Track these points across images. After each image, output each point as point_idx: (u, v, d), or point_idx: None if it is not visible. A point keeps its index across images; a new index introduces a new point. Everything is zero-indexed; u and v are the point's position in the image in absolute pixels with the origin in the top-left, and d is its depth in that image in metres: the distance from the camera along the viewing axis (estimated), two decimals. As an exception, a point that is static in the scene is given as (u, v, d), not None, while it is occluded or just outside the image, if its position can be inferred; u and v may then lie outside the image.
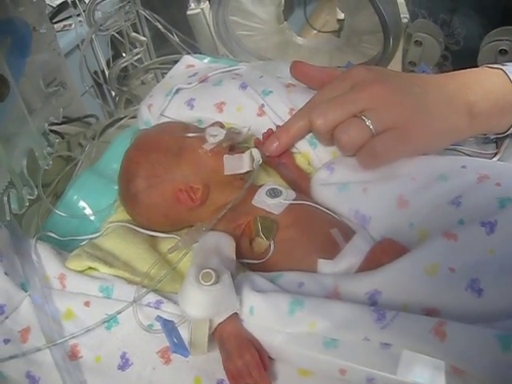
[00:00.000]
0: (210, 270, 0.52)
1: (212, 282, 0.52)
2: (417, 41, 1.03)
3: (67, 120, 1.15)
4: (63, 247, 0.71)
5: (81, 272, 0.65)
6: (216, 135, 0.69)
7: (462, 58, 1.09)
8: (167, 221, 0.71)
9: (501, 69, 0.70)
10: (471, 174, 0.61)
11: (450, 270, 0.53)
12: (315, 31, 1.68)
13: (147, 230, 0.71)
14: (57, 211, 0.76)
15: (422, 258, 0.54)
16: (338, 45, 1.17)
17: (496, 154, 0.75)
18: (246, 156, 0.69)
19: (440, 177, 0.63)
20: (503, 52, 0.96)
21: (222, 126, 0.72)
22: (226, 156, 0.69)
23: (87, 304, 0.61)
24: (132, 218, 0.73)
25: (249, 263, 0.64)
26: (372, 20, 1.05)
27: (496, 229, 0.54)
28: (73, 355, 0.59)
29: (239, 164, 0.69)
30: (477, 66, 0.74)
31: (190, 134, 0.70)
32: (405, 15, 1.10)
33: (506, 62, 0.72)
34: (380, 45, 1.09)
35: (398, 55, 1.13)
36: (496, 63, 0.72)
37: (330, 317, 0.51)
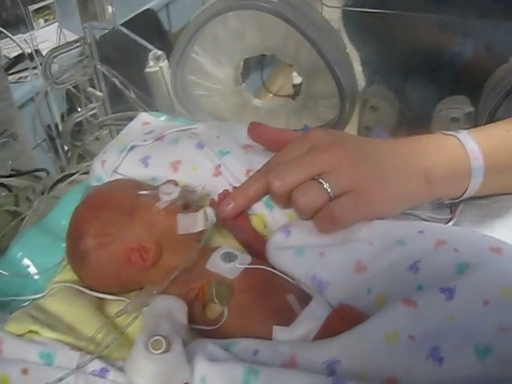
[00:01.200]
0: (160, 338, 0.49)
1: (162, 350, 0.49)
2: (372, 106, 1.05)
3: (16, 173, 1.12)
4: (3, 308, 0.67)
5: (21, 336, 0.60)
6: (170, 193, 0.67)
7: (416, 124, 1.13)
8: (117, 282, 0.67)
9: (455, 136, 0.71)
10: (429, 240, 0.61)
11: (411, 337, 0.51)
12: (271, 94, 1.71)
13: (95, 291, 0.68)
14: (-1, 269, 0.72)
15: (382, 325, 0.52)
16: (295, 108, 1.19)
17: (451, 219, 0.76)
18: (200, 215, 0.67)
19: (398, 242, 0.62)
20: (455, 119, 0.99)
21: (176, 184, 0.70)
22: (179, 215, 0.67)
23: (25, 372, 0.56)
24: (79, 278, 0.70)
25: (201, 329, 0.61)
26: (329, 85, 1.08)
27: (455, 295, 0.53)
28: None
29: (193, 223, 0.67)
30: (430, 132, 0.75)
31: (143, 192, 0.68)
32: (361, 81, 1.13)
33: (458, 129, 0.74)
34: (336, 109, 1.11)
35: (354, 119, 1.15)
36: (449, 130, 0.73)
37: (286, 388, 0.49)
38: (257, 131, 0.79)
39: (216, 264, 0.64)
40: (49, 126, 1.30)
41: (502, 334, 0.50)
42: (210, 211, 0.68)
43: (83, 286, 0.68)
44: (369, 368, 0.51)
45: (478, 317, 0.52)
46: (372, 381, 0.49)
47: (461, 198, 0.74)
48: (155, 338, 0.49)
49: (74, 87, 1.23)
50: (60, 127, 1.27)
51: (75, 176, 1.07)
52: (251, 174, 0.75)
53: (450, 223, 0.75)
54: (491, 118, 0.93)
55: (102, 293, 0.68)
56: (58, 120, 1.30)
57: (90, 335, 0.59)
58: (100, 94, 1.25)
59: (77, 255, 0.68)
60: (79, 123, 1.27)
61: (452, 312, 0.52)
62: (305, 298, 0.62)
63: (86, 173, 1.06)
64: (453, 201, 0.75)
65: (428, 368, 0.50)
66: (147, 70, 1.24)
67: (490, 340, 0.50)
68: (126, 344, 0.61)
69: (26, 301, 0.70)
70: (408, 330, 0.52)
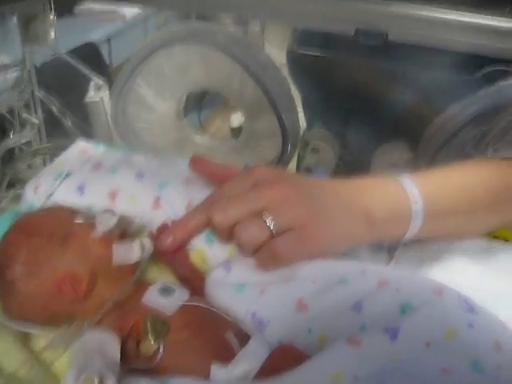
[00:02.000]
0: (91, 376, 0.46)
1: (93, 388, 0.45)
2: (314, 148, 1.06)
3: None
4: None
5: None
6: (107, 222, 0.64)
7: (355, 167, 1.14)
8: (45, 313, 0.63)
9: (397, 179, 0.72)
10: (372, 280, 0.61)
11: (355, 378, 0.50)
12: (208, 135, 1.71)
13: (20, 323, 0.63)
14: None
15: (326, 364, 0.51)
16: (236, 147, 1.18)
17: (390, 260, 0.76)
18: (135, 245, 0.65)
19: (340, 280, 0.61)
20: (394, 164, 1.01)
21: (113, 213, 0.67)
22: (115, 245, 0.64)
23: None
24: (3, 307, 0.65)
25: (135, 367, 0.58)
26: (270, 124, 1.08)
27: (399, 335, 0.53)
28: None
29: (129, 253, 0.64)
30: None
31: (77, 220, 0.65)
32: (301, 123, 1.14)
33: (397, 174, 0.74)
34: (278, 149, 1.11)
35: (294, 161, 1.16)
36: (389, 174, 0.74)
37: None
38: (199, 164, 0.78)
39: (153, 298, 0.61)
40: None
41: (446, 375, 0.50)
42: (146, 241, 0.66)
43: (5, 318, 0.63)
44: None
45: (422, 359, 0.52)
46: None
47: (401, 241, 0.74)
48: (86, 375, 0.46)
49: (7, 112, 1.18)
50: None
51: (3, 203, 1.02)
52: (191, 207, 0.73)
53: (389, 266, 0.75)
54: (430, 164, 0.95)
55: (28, 324, 0.63)
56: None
57: (12, 370, 0.55)
58: (36, 120, 1.20)
59: (3, 283, 0.63)
60: (10, 150, 1.21)
61: (396, 353, 0.51)
62: (244, 337, 0.60)
63: (15, 200, 1.02)
64: (392, 243, 0.75)
65: None
66: (87, 99, 1.20)
67: (434, 383, 0.50)
68: (52, 381, 0.57)
69: None
70: (353, 371, 0.50)
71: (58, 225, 0.65)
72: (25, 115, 1.21)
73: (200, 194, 0.73)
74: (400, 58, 0.99)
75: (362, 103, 1.13)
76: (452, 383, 0.50)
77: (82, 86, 1.21)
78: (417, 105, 1.08)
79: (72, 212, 0.69)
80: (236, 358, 0.56)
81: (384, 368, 0.51)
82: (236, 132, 1.36)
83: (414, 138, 1.03)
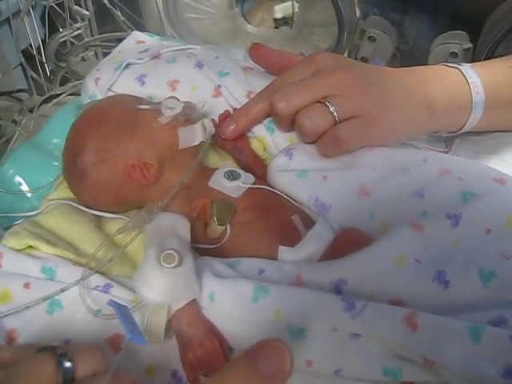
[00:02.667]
0: (172, 252, 0.48)
1: (175, 264, 0.47)
2: (370, 37, 1.03)
3: (-4, 93, 1.08)
4: None
5: (19, 251, 0.58)
6: (173, 108, 0.64)
7: (411, 57, 1.11)
8: (116, 200, 0.65)
9: (458, 68, 0.70)
10: (433, 168, 0.61)
11: (417, 261, 0.52)
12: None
13: (93, 209, 0.66)
14: (-11, 185, 0.69)
15: (390, 248, 0.53)
16: (290, 36, 1.16)
17: (447, 152, 0.76)
18: (198, 126, 0.65)
19: (402, 169, 0.62)
20: (454, 55, 0.98)
21: (177, 99, 0.67)
22: (180, 128, 0.64)
23: (27, 286, 0.55)
24: (76, 195, 0.67)
25: (203, 248, 0.60)
26: (326, 13, 1.05)
27: (461, 221, 0.54)
28: (9, 341, 0.53)
29: (192, 135, 0.65)
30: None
31: (144, 106, 0.66)
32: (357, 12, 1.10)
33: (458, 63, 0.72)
34: (332, 38, 1.08)
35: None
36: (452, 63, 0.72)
37: (296, 305, 0.49)
38: (258, 52, 0.76)
39: (219, 182, 0.63)
40: (30, 45, 1.24)
41: (505, 260, 0.51)
42: (207, 122, 0.66)
43: (81, 204, 0.66)
44: (375, 289, 0.51)
45: (482, 244, 0.53)
46: (378, 301, 0.49)
47: (458, 132, 0.73)
48: (168, 251, 0.48)
49: (57, 5, 1.17)
50: (42, 47, 1.22)
51: (61, 97, 1.03)
52: (252, 95, 0.73)
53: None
54: (490, 55, 0.92)
55: (100, 211, 0.66)
56: (38, 40, 1.24)
57: (91, 252, 0.58)
58: (86, 12, 1.19)
59: (75, 171, 0.65)
60: (61, 44, 1.21)
61: (457, 238, 0.53)
62: (308, 221, 0.62)
63: (72, 94, 1.03)
64: (450, 134, 0.74)
65: (434, 290, 0.50)
66: (138, -11, 1.18)
67: (494, 266, 0.51)
68: (126, 261, 0.60)
69: (19, 218, 0.68)
70: (414, 254, 0.52)
71: (125, 113, 0.66)
72: (75, 7, 1.19)
73: (260, 82, 0.73)
74: None
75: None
76: (511, 268, 0.51)
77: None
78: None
79: (137, 99, 0.69)
80: (303, 239, 0.58)
81: (445, 252, 0.52)
82: (280, 23, 1.32)
83: (475, 26, 0.99)
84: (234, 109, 0.72)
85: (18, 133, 0.85)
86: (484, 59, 0.90)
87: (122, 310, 0.47)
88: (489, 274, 0.51)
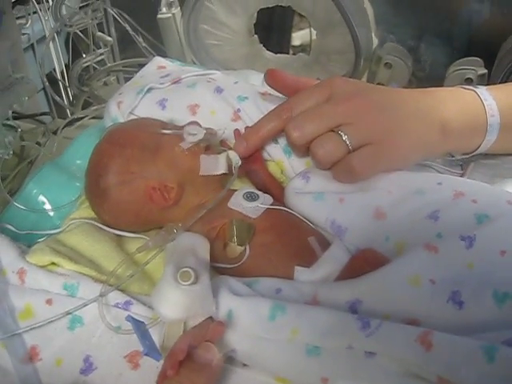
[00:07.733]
0: (188, 269, 0.50)
1: (191, 281, 0.49)
2: (387, 63, 1.04)
3: (19, 115, 1.10)
4: (19, 242, 0.66)
5: (42, 267, 0.60)
6: (195, 134, 0.66)
7: (427, 83, 1.11)
8: (137, 220, 0.68)
9: (474, 90, 0.71)
10: (447, 191, 0.62)
11: (431, 281, 0.52)
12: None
13: (113, 228, 0.68)
14: (15, 203, 0.72)
15: (405, 268, 0.53)
16: (307, 62, 1.17)
17: (462, 175, 0.76)
18: (221, 157, 0.67)
19: (417, 191, 0.62)
20: (469, 80, 0.99)
21: (199, 125, 0.70)
22: (202, 156, 0.67)
23: (49, 302, 0.57)
24: (98, 215, 0.70)
25: (221, 268, 0.62)
26: (343, 40, 1.07)
27: (475, 243, 0.54)
28: (31, 357, 0.54)
29: (215, 165, 0.67)
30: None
31: (167, 131, 0.68)
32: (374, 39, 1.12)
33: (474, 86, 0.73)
34: (348, 65, 1.10)
35: (364, 78, 1.14)
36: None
37: (313, 323, 0.49)
38: (274, 76, 0.77)
39: (238, 203, 0.65)
40: (54, 70, 1.28)
41: None
42: (233, 155, 0.68)
43: (101, 223, 0.68)
44: (390, 309, 0.52)
45: (496, 266, 0.53)
46: (393, 321, 0.50)
47: (473, 154, 0.73)
48: (184, 269, 0.50)
49: (81, 31, 1.21)
50: (65, 72, 1.25)
51: (83, 120, 1.06)
52: None
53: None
54: (505, 81, 0.93)
55: (121, 230, 0.68)
56: (62, 65, 1.27)
57: (111, 270, 0.60)
58: (109, 38, 1.23)
59: (98, 191, 0.67)
60: (84, 69, 1.24)
61: (471, 259, 0.53)
62: (324, 242, 0.63)
63: (94, 117, 1.06)
64: (464, 156, 0.75)
65: (448, 311, 0.51)
66: (159, 16, 1.21)
67: (508, 288, 0.51)
68: (146, 279, 0.62)
69: (42, 236, 0.70)
70: (429, 275, 0.52)
71: (149, 136, 0.68)
72: (98, 34, 1.23)
73: (277, 107, 0.74)
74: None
75: (437, 16, 1.10)
76: None
77: (154, 3, 1.22)
78: (493, 18, 1.04)
79: (160, 123, 0.71)
80: (319, 260, 0.59)
81: (460, 273, 0.53)
82: (297, 50, 1.34)
83: (490, 53, 1.00)
84: (246, 127, 0.74)
85: (41, 154, 0.87)
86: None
87: (139, 326, 0.49)
88: (503, 295, 0.51)
